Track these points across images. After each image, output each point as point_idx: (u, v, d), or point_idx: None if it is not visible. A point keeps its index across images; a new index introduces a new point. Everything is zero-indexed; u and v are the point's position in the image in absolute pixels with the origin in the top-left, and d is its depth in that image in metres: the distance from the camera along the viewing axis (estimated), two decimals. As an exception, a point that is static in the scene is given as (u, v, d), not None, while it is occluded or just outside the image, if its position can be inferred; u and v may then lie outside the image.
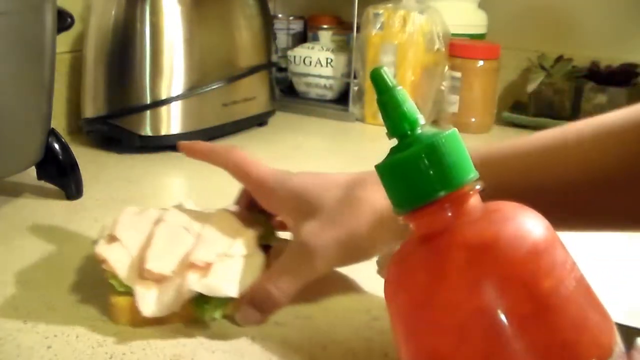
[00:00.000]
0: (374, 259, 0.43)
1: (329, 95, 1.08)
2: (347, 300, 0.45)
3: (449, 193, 0.25)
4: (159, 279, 0.40)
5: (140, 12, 0.77)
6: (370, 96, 0.98)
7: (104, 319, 0.42)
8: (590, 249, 0.57)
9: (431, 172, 0.24)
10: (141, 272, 0.40)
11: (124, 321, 0.41)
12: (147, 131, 0.78)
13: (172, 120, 0.79)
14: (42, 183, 0.63)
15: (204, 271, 0.40)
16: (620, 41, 1.03)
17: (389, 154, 0.26)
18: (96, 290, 0.46)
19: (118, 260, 0.41)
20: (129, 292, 0.40)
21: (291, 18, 1.20)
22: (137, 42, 0.77)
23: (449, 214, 0.25)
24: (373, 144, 0.89)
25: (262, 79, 0.92)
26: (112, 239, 0.43)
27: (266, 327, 0.41)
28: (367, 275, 0.49)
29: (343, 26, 1.14)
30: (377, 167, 0.27)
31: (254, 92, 0.90)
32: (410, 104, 0.26)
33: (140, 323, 0.40)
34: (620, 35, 1.03)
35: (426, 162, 0.24)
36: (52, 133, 0.61)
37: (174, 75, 0.78)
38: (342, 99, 1.06)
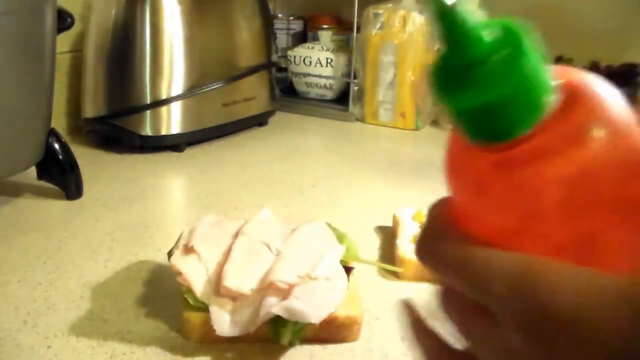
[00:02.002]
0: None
1: (329, 95, 1.08)
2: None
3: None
4: (236, 297, 0.39)
5: (140, 12, 0.77)
6: (370, 96, 0.98)
7: (104, 318, 0.42)
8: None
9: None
10: (218, 288, 0.39)
11: (196, 337, 0.40)
12: (147, 131, 0.78)
13: (172, 120, 0.79)
14: (42, 183, 0.63)
15: (285, 293, 0.38)
16: (620, 41, 1.03)
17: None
18: (96, 289, 0.46)
19: (194, 273, 0.40)
20: (203, 308, 0.39)
21: (291, 18, 1.20)
22: (137, 42, 0.77)
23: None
24: (373, 143, 0.89)
25: (262, 79, 0.92)
26: (188, 250, 0.41)
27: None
28: (366, 275, 0.49)
29: (343, 26, 1.14)
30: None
31: (254, 92, 0.90)
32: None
33: (212, 341, 0.39)
34: (620, 36, 1.03)
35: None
36: (52, 133, 0.61)
37: (174, 75, 0.78)
38: (342, 99, 1.06)
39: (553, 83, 0.20)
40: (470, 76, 0.20)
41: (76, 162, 0.63)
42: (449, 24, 0.20)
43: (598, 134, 0.20)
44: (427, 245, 0.24)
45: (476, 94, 0.20)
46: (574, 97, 0.20)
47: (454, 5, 0.20)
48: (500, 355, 0.21)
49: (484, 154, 0.21)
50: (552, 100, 0.20)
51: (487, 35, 0.20)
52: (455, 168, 0.23)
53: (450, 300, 0.25)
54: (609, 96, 0.20)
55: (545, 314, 0.19)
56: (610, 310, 0.19)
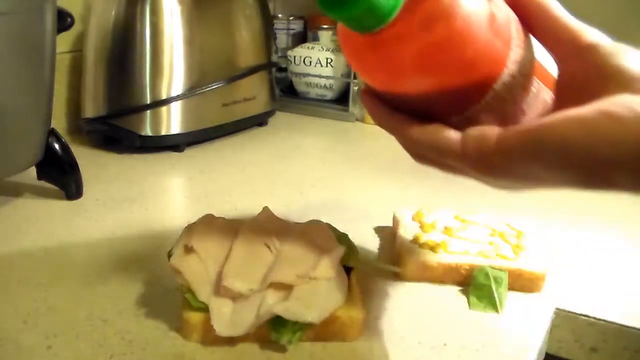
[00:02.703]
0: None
1: (329, 95, 1.08)
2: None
3: None
4: (236, 297, 0.39)
5: (140, 12, 0.77)
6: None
7: (104, 318, 0.42)
8: (591, 247, 0.57)
9: None
10: (218, 288, 0.39)
11: (196, 338, 0.40)
12: (147, 131, 0.78)
13: (172, 120, 0.79)
14: (42, 183, 0.63)
15: (285, 293, 0.38)
16: (619, 41, 1.03)
17: None
18: (96, 289, 0.46)
19: (194, 273, 0.40)
20: (203, 308, 0.39)
21: (291, 18, 1.19)
22: (137, 42, 0.77)
23: None
24: (373, 144, 0.89)
25: (262, 79, 0.92)
26: (188, 250, 0.41)
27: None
28: (366, 275, 0.49)
29: (343, 26, 1.13)
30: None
31: (254, 92, 0.90)
32: None
33: (212, 341, 0.39)
34: (620, 36, 1.03)
35: None
36: (52, 133, 0.61)
37: (174, 75, 0.78)
38: (342, 99, 1.06)
39: None
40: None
41: (76, 162, 0.63)
42: None
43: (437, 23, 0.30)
44: (368, 110, 0.35)
45: (348, 10, 0.29)
46: None
47: None
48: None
49: (362, 38, 0.31)
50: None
51: None
52: (346, 50, 0.34)
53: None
54: None
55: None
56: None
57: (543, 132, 0.28)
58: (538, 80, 0.35)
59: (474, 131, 0.31)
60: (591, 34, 0.33)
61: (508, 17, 0.33)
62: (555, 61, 0.34)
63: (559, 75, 0.34)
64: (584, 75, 0.31)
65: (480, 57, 0.31)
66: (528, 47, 0.34)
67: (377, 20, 0.30)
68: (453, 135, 0.31)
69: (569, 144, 0.27)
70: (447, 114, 0.33)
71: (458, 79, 0.31)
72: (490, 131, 0.30)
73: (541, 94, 0.35)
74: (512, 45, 0.32)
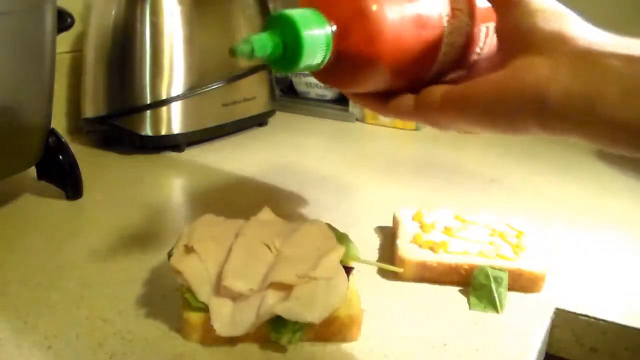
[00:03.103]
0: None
1: (329, 95, 1.08)
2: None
3: None
4: (236, 297, 0.39)
5: (140, 12, 0.77)
6: (370, 96, 0.98)
7: (104, 318, 0.42)
8: (591, 247, 0.57)
9: None
10: (217, 288, 0.39)
11: (196, 338, 0.40)
12: (147, 131, 0.78)
13: (172, 120, 0.79)
14: (42, 183, 0.63)
15: (285, 293, 0.38)
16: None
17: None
18: (96, 289, 0.46)
19: (194, 273, 0.40)
20: (203, 308, 0.39)
21: (291, 18, 1.19)
22: (137, 42, 0.77)
23: None
24: (373, 144, 0.89)
25: (262, 79, 0.91)
26: (188, 250, 0.41)
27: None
28: (366, 275, 0.49)
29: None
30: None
31: (254, 92, 0.89)
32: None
33: (212, 341, 0.39)
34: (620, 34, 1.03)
35: None
36: (52, 133, 0.61)
37: (174, 75, 0.78)
38: (342, 99, 1.06)
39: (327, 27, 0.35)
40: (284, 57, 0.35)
41: (76, 162, 0.63)
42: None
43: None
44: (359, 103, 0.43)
45: (292, 68, 0.35)
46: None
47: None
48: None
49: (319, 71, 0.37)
50: (330, 30, 0.35)
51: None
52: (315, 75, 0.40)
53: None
54: None
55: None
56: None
57: (469, 93, 0.35)
58: (487, 25, 0.40)
59: (423, 94, 0.38)
60: None
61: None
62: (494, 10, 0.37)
63: (496, 24, 0.38)
64: (507, 31, 0.35)
65: (416, 51, 0.37)
66: (468, 8, 0.39)
67: (318, 66, 0.36)
68: (408, 101, 0.39)
69: (488, 102, 0.34)
70: (414, 82, 0.39)
71: (404, 73, 0.37)
72: (436, 91, 0.37)
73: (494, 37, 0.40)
74: (445, 22, 0.37)
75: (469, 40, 0.40)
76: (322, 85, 1.07)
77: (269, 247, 0.42)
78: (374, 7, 0.35)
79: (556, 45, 0.32)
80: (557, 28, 0.33)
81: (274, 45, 0.34)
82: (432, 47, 0.37)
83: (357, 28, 0.35)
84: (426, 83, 0.38)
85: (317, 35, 0.35)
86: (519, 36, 0.34)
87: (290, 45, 0.34)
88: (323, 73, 0.37)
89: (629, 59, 0.29)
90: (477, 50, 0.41)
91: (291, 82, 1.11)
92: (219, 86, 0.82)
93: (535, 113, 0.32)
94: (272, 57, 0.35)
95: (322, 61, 0.36)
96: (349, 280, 0.41)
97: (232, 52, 0.34)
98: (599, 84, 0.29)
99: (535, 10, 0.34)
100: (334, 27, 0.35)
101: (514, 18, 0.34)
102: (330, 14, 0.35)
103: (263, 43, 0.34)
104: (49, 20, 0.56)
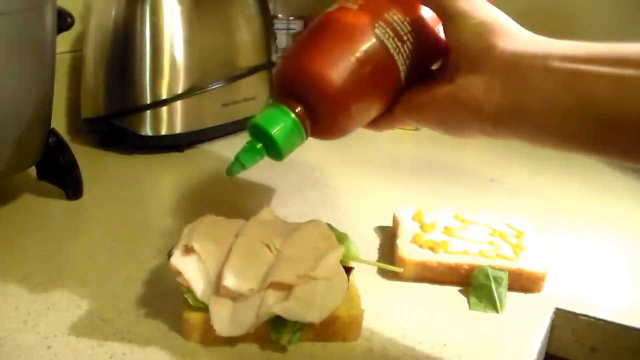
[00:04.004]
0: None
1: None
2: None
3: None
4: (236, 297, 0.39)
5: (140, 12, 0.77)
6: (370, 96, 0.98)
7: (104, 318, 0.42)
8: (591, 247, 0.57)
9: None
10: (217, 288, 0.39)
11: (196, 338, 0.40)
12: (147, 131, 0.78)
13: (172, 120, 0.79)
14: (42, 183, 0.63)
15: (285, 293, 0.38)
16: (620, 41, 1.03)
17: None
18: (96, 290, 0.46)
19: (194, 274, 0.40)
20: (203, 308, 0.39)
21: (291, 18, 1.19)
22: (137, 42, 0.77)
23: None
24: (373, 144, 0.89)
25: (262, 79, 0.91)
26: (188, 250, 0.41)
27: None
28: (366, 275, 0.49)
29: (343, 26, 1.13)
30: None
31: (254, 92, 0.89)
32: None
33: (212, 341, 0.39)
34: (620, 35, 1.03)
35: None
36: (52, 133, 0.61)
37: (174, 75, 0.78)
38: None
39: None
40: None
41: (76, 162, 0.63)
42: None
43: None
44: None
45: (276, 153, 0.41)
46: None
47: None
48: None
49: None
50: (294, 115, 0.39)
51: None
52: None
53: None
54: None
55: None
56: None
57: (423, 107, 0.40)
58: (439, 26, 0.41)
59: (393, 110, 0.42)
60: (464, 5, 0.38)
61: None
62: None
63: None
64: (450, 45, 0.38)
65: (374, 88, 0.40)
66: (413, 25, 0.40)
67: (302, 141, 0.42)
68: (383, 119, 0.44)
69: (439, 114, 0.39)
70: (390, 102, 0.42)
71: (373, 104, 0.42)
72: (398, 106, 0.42)
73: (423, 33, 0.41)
74: (393, 51, 0.39)
75: (426, 48, 0.41)
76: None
77: (269, 247, 0.42)
78: (321, 78, 0.38)
79: (486, 62, 0.35)
80: (486, 44, 0.35)
81: (257, 152, 0.40)
82: (390, 77, 0.40)
83: (316, 100, 0.39)
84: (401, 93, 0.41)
85: (285, 127, 0.39)
86: (459, 52, 0.37)
87: (270, 145, 0.39)
88: (315, 135, 0.42)
89: (547, 70, 0.33)
90: (440, 48, 0.41)
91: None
92: (219, 86, 0.82)
93: (478, 125, 0.36)
94: (262, 157, 0.40)
95: (304, 137, 0.40)
96: (349, 280, 0.41)
97: (229, 174, 0.40)
98: (525, 96, 0.34)
99: (470, 25, 0.36)
100: (298, 109, 0.39)
101: (454, 32, 0.37)
102: (291, 100, 0.39)
103: (247, 156, 0.39)
104: (49, 20, 0.56)
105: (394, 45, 0.39)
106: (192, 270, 0.40)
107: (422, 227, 0.53)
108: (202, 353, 0.39)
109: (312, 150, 0.85)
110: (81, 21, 0.80)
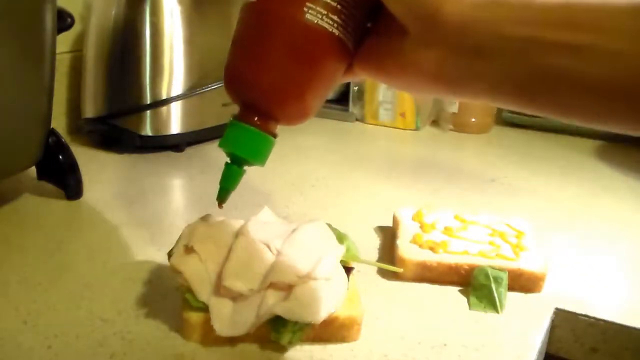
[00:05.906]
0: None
1: (329, 95, 1.08)
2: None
3: None
4: (236, 297, 0.39)
5: (140, 12, 0.77)
6: (370, 96, 0.98)
7: (104, 318, 0.42)
8: (591, 247, 0.57)
9: None
10: (217, 288, 0.39)
11: (196, 338, 0.40)
12: (147, 131, 0.78)
13: (172, 120, 0.79)
14: (42, 183, 0.63)
15: (285, 293, 0.38)
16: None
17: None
18: (96, 290, 0.46)
19: (194, 274, 0.40)
20: (203, 309, 0.39)
21: (291, 18, 1.19)
22: (137, 42, 0.77)
23: None
24: (373, 144, 0.89)
25: (262, 79, 0.91)
26: (188, 250, 0.41)
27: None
28: (366, 275, 0.49)
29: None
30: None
31: (254, 92, 0.89)
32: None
33: (212, 341, 0.39)
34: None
35: None
36: (52, 133, 0.61)
37: (174, 75, 0.78)
38: (342, 99, 1.06)
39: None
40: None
41: (76, 162, 0.63)
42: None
43: None
44: None
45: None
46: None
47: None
48: None
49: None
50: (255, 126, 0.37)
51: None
52: None
53: None
54: None
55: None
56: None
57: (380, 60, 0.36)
58: None
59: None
60: None
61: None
62: None
63: None
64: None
65: (323, 66, 0.37)
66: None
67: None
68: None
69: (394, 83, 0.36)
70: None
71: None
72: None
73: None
74: (329, 27, 0.35)
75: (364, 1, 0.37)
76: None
77: (268, 247, 0.42)
78: (265, 86, 0.36)
79: (433, 32, 0.33)
80: (431, 9, 0.32)
81: (236, 173, 0.39)
82: (337, 52, 0.36)
83: (268, 107, 0.37)
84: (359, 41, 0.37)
85: (250, 142, 0.38)
86: (403, 17, 0.34)
87: (243, 162, 0.39)
88: (284, 125, 0.40)
89: (501, 38, 0.31)
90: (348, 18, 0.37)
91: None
92: (219, 86, 0.82)
93: (433, 91, 0.35)
94: (242, 174, 0.40)
95: (273, 140, 0.39)
96: (349, 280, 0.41)
97: (219, 201, 0.39)
98: (479, 68, 0.32)
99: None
100: (256, 118, 0.37)
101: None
102: (246, 112, 0.37)
103: (229, 181, 0.39)
104: (49, 20, 0.56)
105: (331, 22, 0.35)
106: (192, 270, 0.40)
107: (422, 227, 0.53)
108: (202, 353, 0.39)
109: (312, 150, 0.85)
110: (81, 21, 0.80)
